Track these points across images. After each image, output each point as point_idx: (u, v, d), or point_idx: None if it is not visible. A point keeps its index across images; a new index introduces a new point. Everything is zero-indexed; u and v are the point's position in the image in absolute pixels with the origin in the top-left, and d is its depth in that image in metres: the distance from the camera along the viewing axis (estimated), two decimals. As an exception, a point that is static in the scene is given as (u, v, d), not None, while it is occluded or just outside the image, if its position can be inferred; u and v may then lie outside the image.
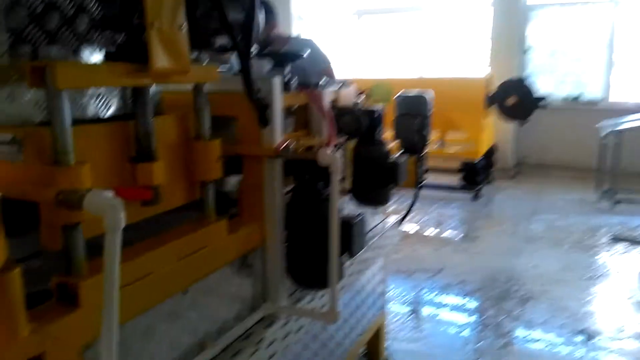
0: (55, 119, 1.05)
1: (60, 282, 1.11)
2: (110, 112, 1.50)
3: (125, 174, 1.26)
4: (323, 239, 1.60)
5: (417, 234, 5.22)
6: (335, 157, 1.53)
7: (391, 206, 2.73)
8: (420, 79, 7.41)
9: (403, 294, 3.80)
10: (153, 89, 1.43)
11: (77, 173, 1.07)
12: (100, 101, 1.43)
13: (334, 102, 2.15)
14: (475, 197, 6.45)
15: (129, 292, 1.19)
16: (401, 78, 7.19)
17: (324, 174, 1.59)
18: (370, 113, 2.16)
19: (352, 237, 1.66)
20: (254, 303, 1.69)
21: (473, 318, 3.47)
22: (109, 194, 0.95)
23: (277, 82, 1.62)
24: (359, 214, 1.75)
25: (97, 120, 1.29)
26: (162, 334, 1.32)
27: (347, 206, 2.28)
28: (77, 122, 1.17)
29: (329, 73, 3.56)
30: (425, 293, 3.84)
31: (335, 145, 1.94)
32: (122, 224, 0.94)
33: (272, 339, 1.65)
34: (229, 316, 1.57)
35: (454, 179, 6.46)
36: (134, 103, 1.26)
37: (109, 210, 0.93)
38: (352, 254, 1.71)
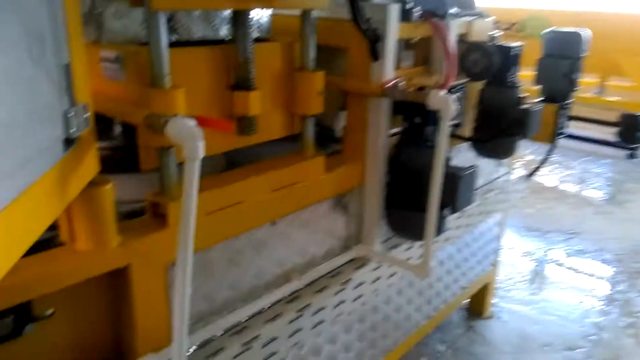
0: (152, 40, 1.05)
1: (153, 201, 1.16)
2: (221, 35, 1.48)
3: (225, 103, 1.25)
4: (424, 188, 1.49)
5: (555, 189, 4.74)
6: (448, 100, 1.37)
7: (521, 157, 2.46)
8: (579, 13, 6.43)
9: (527, 253, 3.53)
10: (263, 13, 1.38)
11: (171, 97, 1.08)
12: (209, 24, 1.41)
13: (464, 36, 1.92)
14: (631, 156, 5.61)
15: (219, 217, 1.22)
16: (558, 10, 6.29)
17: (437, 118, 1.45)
18: (505, 50, 1.90)
19: (457, 190, 1.52)
20: (346, 243, 1.66)
21: (600, 290, 3.13)
22: (190, 122, 0.94)
23: (392, 10, 1.46)
24: (470, 167, 1.59)
25: (203, 43, 1.28)
26: (249, 262, 1.35)
27: (463, 155, 2.10)
28: (182, 44, 1.17)
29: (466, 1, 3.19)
30: (553, 255, 3.53)
31: (453, 87, 1.75)
32: (201, 154, 0.93)
33: (360, 281, 1.62)
34: (318, 253, 1.56)
35: (608, 133, 5.67)
36: (234, 27, 1.23)
37: (188, 139, 0.92)
38: (455, 209, 1.58)
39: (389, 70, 1.50)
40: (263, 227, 1.36)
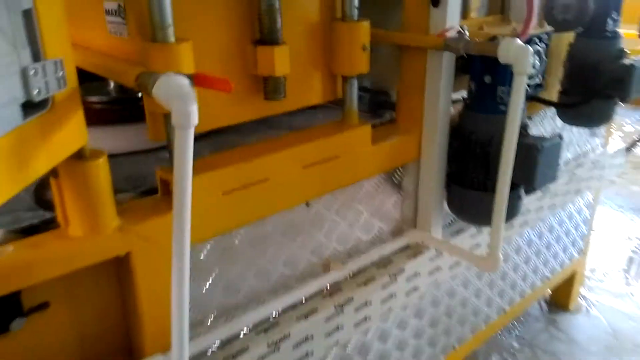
0: (149, -17, 0.86)
1: (162, 177, 1.00)
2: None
3: (248, 61, 1.05)
4: (495, 164, 1.22)
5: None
6: (525, 50, 1.08)
7: (619, 127, 2.08)
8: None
9: (627, 239, 3.09)
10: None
11: (171, 52, 0.89)
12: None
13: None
14: None
15: (239, 197, 1.04)
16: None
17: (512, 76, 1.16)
18: (603, -6, 1.54)
19: (536, 165, 1.23)
20: (397, 227, 1.43)
21: None
22: (181, 80, 0.75)
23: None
24: (554, 137, 1.29)
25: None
26: (278, 248, 1.17)
27: (548, 124, 1.78)
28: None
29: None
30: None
31: (534, 37, 1.43)
32: (193, 120, 0.74)
33: (415, 272, 1.39)
34: (364, 238, 1.35)
35: None
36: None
37: (176, 100, 0.73)
38: (533, 187, 1.29)
39: (453, 17, 1.23)
40: (295, 209, 1.17)
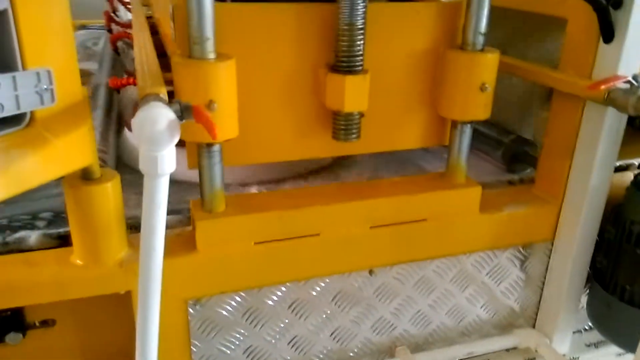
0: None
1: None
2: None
3: (319, 88, 0.85)
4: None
5: None
6: None
7: None
8: None
9: None
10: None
11: (205, 71, 0.73)
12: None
13: None
14: None
15: (276, 251, 0.86)
16: None
17: None
18: None
19: None
20: (506, 320, 1.08)
21: None
22: (159, 114, 0.58)
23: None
24: None
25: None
26: (325, 318, 0.95)
27: None
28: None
29: None
30: None
31: None
32: (167, 167, 0.58)
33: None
34: (450, 324, 1.04)
35: None
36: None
37: (145, 142, 0.57)
38: None
39: (631, 60, 0.85)
40: (354, 276, 0.93)
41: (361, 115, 0.85)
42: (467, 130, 0.92)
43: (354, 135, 0.85)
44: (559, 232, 1.02)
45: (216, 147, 0.79)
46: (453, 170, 0.95)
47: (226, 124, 0.76)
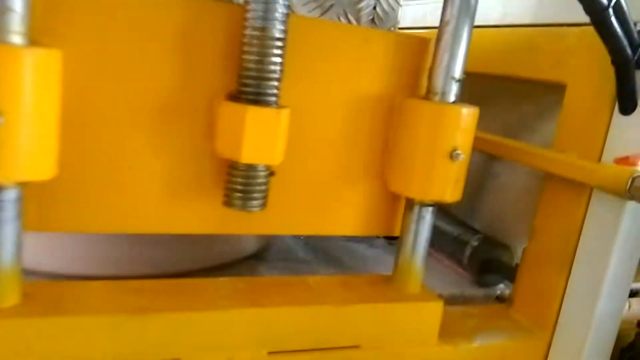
0: None
1: None
2: None
3: (210, 127, 0.55)
4: None
5: None
6: None
7: None
8: None
9: None
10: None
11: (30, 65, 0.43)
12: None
13: None
14: None
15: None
16: None
17: None
18: None
19: None
20: None
21: None
22: None
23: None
24: None
25: None
26: None
27: None
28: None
29: None
30: None
31: None
32: None
33: None
34: None
35: None
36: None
37: None
38: None
39: (658, 138, 0.60)
40: None
41: (271, 173, 0.55)
42: (428, 217, 0.63)
43: (255, 203, 0.54)
44: (547, 380, 0.71)
45: (7, 194, 0.46)
46: (404, 274, 0.64)
47: (27, 149, 0.44)
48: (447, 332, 0.66)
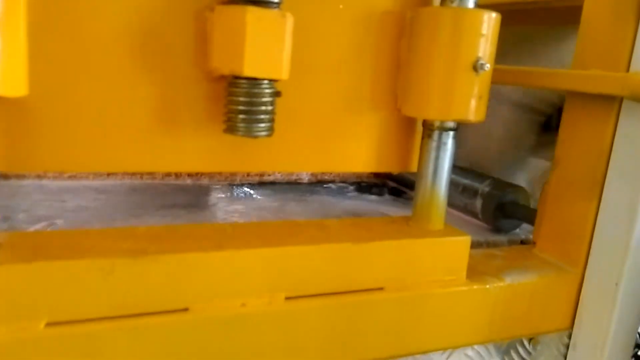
0: None
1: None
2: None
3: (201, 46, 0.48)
4: None
5: None
6: None
7: None
8: None
9: None
10: None
11: None
12: None
13: None
14: None
15: (95, 341, 0.43)
16: None
17: None
18: None
19: None
20: None
21: None
22: None
23: None
24: None
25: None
26: None
27: None
28: None
29: None
30: None
31: None
32: None
33: None
34: None
35: None
36: None
37: None
38: None
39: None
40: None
41: (277, 92, 0.48)
42: (449, 143, 0.57)
43: (262, 126, 0.47)
44: (579, 317, 0.66)
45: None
46: (425, 210, 0.58)
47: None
48: (475, 272, 0.60)
